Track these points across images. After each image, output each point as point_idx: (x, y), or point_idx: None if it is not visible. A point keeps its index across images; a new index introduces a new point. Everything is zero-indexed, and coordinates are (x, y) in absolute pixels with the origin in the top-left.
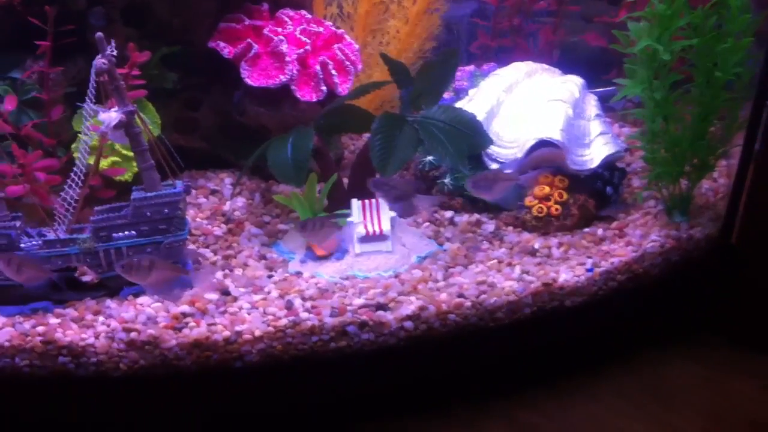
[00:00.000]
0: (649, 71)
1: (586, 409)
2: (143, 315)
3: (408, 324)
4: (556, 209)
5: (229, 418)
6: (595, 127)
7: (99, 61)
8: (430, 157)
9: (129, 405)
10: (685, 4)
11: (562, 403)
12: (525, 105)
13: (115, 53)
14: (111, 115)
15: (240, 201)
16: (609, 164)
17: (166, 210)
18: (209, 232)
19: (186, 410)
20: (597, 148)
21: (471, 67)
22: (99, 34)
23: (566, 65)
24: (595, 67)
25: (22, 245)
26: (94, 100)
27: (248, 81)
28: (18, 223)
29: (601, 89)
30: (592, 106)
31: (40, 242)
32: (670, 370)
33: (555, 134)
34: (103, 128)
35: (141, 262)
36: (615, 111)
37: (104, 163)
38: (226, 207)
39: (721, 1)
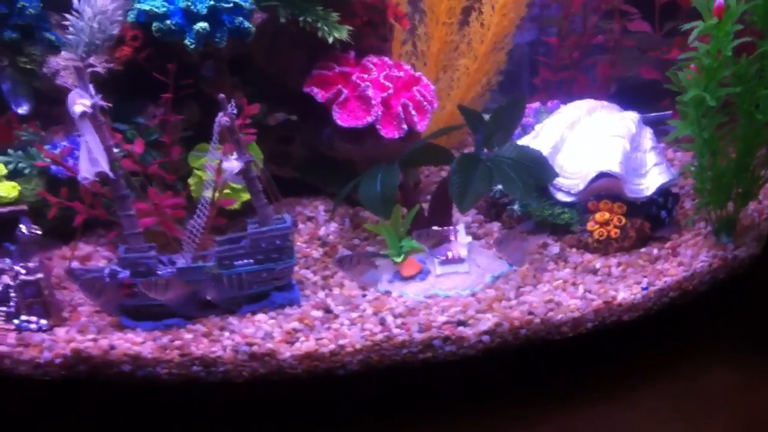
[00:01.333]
0: (698, 113)
1: (633, 412)
2: (261, 331)
3: (485, 338)
4: (615, 232)
5: (330, 413)
6: (650, 158)
7: (222, 119)
8: (499, 186)
9: (247, 404)
10: (729, 57)
11: (611, 408)
12: (587, 140)
13: (235, 111)
14: (233, 164)
15: (333, 226)
16: (663, 191)
17: (278, 241)
18: (308, 255)
19: (293, 408)
20: (652, 178)
21: (536, 104)
22: (221, 95)
23: (623, 94)
24: (649, 93)
25: (158, 272)
26: (217, 145)
27: (339, 122)
28: (153, 252)
29: (654, 114)
30: (647, 139)
31: (173, 270)
32: (711, 377)
33: (614, 167)
34: (226, 175)
35: (158, 281)
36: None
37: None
38: (321, 232)
39: (763, 52)
